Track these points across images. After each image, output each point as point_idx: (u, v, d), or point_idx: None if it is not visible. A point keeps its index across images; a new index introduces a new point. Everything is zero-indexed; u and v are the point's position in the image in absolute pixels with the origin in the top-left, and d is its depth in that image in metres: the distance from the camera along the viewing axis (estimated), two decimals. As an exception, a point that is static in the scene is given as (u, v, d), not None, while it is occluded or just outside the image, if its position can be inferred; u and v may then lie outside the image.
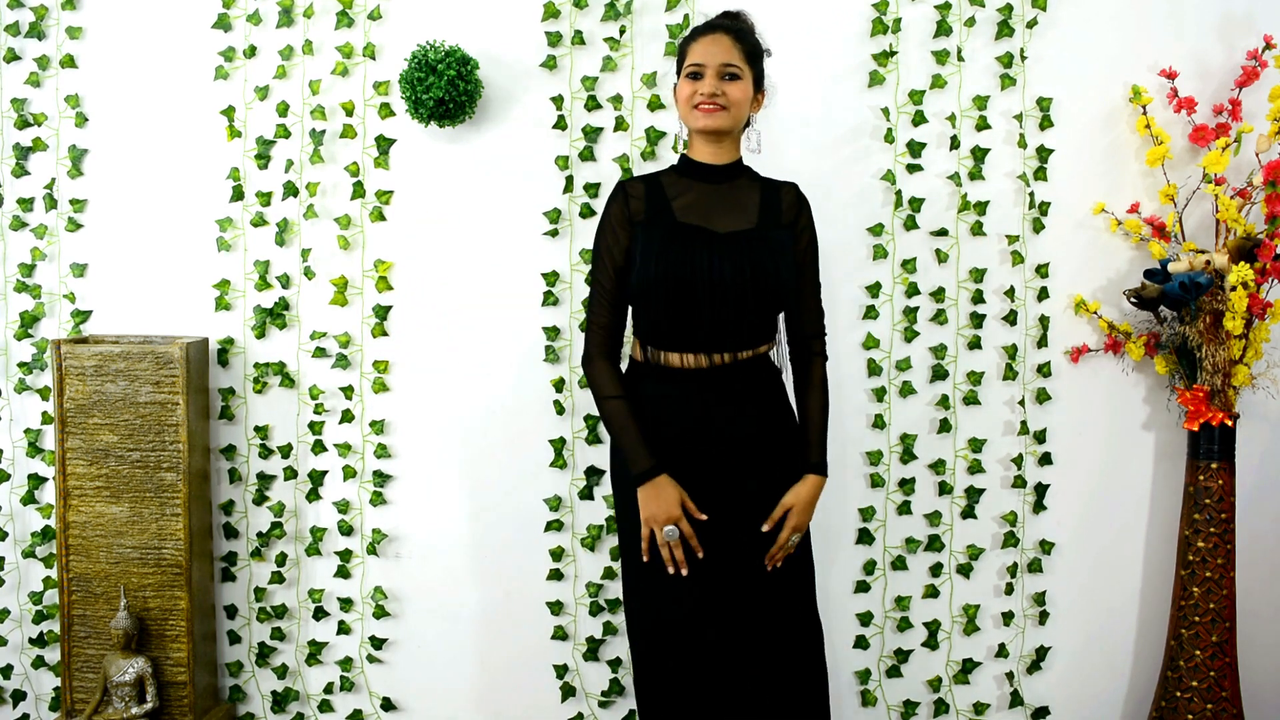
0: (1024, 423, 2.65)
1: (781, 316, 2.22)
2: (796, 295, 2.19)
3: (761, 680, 2.12)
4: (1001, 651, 2.70)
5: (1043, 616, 2.70)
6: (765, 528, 2.12)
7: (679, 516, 2.08)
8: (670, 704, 2.13)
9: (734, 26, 2.15)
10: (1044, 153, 2.61)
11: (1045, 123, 2.60)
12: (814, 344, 2.23)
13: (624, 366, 2.23)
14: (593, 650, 2.67)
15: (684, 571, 2.09)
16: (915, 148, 2.60)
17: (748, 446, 2.13)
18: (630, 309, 2.19)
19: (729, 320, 2.10)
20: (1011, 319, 2.64)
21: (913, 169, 2.61)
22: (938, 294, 2.64)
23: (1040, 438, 2.67)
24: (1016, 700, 2.70)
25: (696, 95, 2.10)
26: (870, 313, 2.64)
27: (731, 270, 2.08)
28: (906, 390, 2.65)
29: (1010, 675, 2.70)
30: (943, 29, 2.58)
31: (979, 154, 2.60)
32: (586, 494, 2.65)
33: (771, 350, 2.22)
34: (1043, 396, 2.66)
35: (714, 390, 2.12)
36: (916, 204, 2.61)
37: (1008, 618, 2.69)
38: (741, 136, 2.21)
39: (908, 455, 2.66)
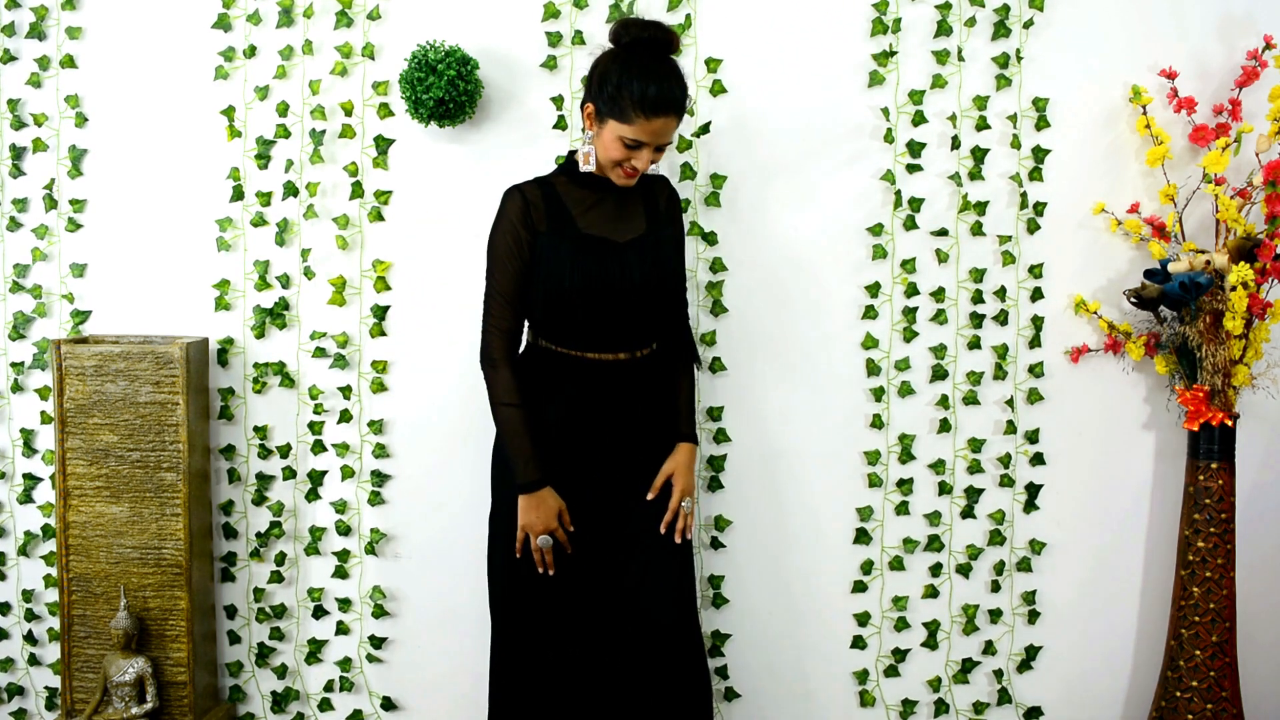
0: (1010, 422, 2.65)
1: None
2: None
3: (638, 686, 2.20)
4: (998, 651, 2.70)
5: (1032, 615, 2.69)
6: (650, 496, 2.25)
7: (555, 528, 2.20)
8: (527, 699, 2.25)
9: (680, 103, 2.12)
10: (1040, 153, 2.60)
11: (1042, 123, 2.60)
12: (681, 330, 2.36)
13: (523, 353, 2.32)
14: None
15: (551, 572, 2.21)
16: (915, 148, 2.60)
17: (648, 435, 2.26)
18: (532, 311, 2.25)
19: (637, 321, 2.22)
20: (1003, 319, 2.64)
21: (912, 169, 2.61)
22: (937, 294, 2.64)
23: (1033, 438, 2.66)
24: (1013, 699, 2.70)
25: (627, 164, 2.14)
26: (870, 313, 2.64)
27: (639, 275, 2.19)
28: (905, 390, 2.65)
29: (999, 673, 2.70)
30: (943, 29, 2.58)
31: (979, 154, 2.60)
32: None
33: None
34: (1034, 397, 2.65)
35: (620, 385, 2.23)
36: (916, 204, 2.61)
37: (1007, 617, 2.69)
38: None
39: (906, 455, 2.66)
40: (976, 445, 2.66)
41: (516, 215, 2.20)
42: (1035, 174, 2.61)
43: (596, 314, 2.18)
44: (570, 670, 2.23)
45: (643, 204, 2.27)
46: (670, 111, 2.10)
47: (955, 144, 2.60)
